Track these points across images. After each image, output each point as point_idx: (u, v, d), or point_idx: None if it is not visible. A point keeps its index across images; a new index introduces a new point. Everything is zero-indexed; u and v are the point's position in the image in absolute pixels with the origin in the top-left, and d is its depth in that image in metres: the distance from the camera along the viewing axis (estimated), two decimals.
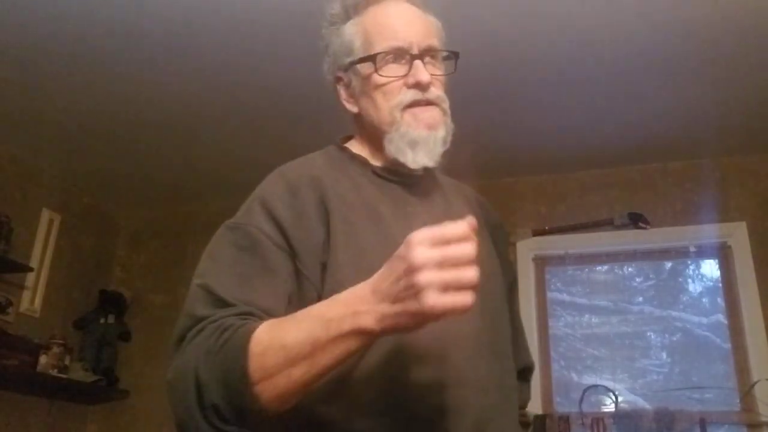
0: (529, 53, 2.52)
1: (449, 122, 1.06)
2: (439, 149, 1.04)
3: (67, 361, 3.28)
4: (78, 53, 2.55)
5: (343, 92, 1.12)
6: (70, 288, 3.60)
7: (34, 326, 3.29)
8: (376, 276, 0.79)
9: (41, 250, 3.40)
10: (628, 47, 2.47)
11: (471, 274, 0.74)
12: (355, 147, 1.13)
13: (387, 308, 0.76)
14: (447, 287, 0.72)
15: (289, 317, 0.84)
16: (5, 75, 2.71)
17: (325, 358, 0.78)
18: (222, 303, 0.88)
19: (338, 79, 1.12)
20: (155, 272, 3.90)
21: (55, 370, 3.18)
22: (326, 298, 0.91)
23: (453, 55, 1.10)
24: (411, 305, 0.73)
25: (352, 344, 0.78)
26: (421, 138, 1.03)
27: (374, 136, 1.09)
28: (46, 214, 3.46)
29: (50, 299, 3.44)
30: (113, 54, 2.56)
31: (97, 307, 3.66)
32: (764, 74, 2.62)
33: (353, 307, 0.78)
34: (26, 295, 3.29)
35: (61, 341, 3.26)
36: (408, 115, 1.03)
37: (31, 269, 3.26)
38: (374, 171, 1.08)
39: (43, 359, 3.16)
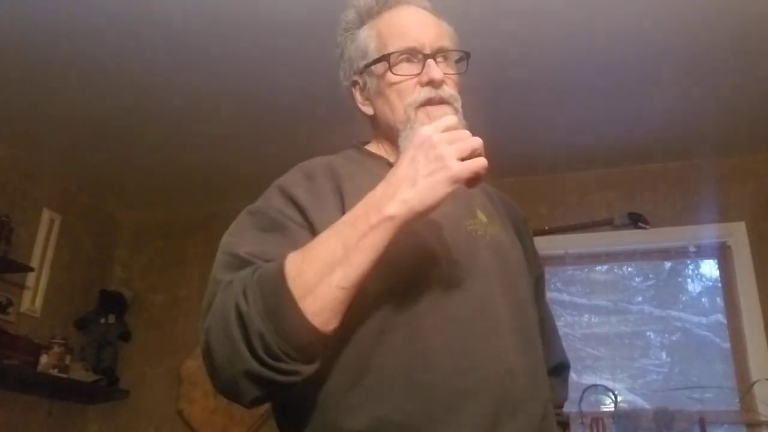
0: (529, 55, 2.53)
1: (463, 121, 1.08)
2: None
3: (67, 361, 3.28)
4: (78, 53, 2.55)
5: (358, 96, 1.15)
6: (70, 288, 3.60)
7: (34, 326, 3.30)
8: (384, 178, 0.88)
9: (42, 250, 3.41)
10: (628, 47, 2.48)
11: (477, 141, 0.89)
12: (372, 147, 1.17)
13: (408, 191, 0.85)
14: (461, 156, 0.86)
15: (315, 238, 0.89)
16: (5, 74, 2.71)
17: (360, 257, 0.84)
18: (245, 264, 0.90)
19: (354, 83, 1.15)
20: (156, 272, 3.90)
21: (56, 370, 3.18)
22: None
23: (465, 56, 1.14)
24: (438, 175, 0.84)
25: (381, 236, 0.84)
26: None
27: (390, 136, 1.11)
28: (46, 214, 3.46)
29: (51, 299, 3.44)
30: (114, 53, 2.56)
31: (97, 307, 3.66)
32: (764, 74, 2.63)
33: (373, 204, 0.86)
34: (27, 294, 3.29)
35: (61, 341, 3.27)
36: (422, 114, 1.06)
37: (31, 269, 3.26)
38: (391, 165, 1.08)
39: (43, 359, 3.16)
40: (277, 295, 0.82)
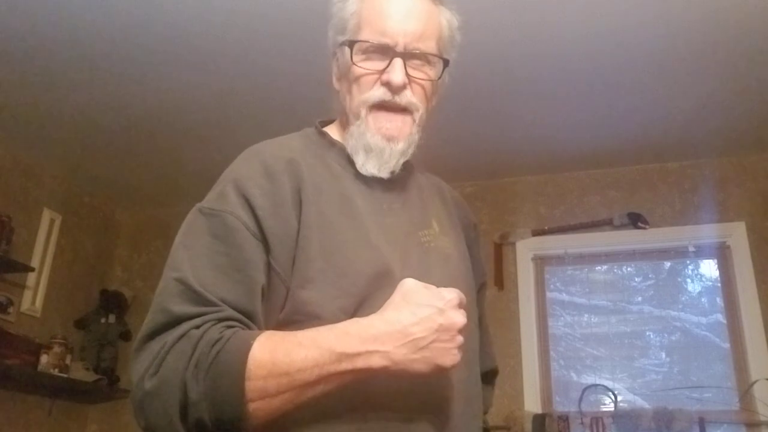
0: (529, 54, 2.53)
1: (416, 133, 1.02)
2: (395, 161, 1.00)
3: (68, 361, 3.29)
4: (78, 53, 2.56)
5: (334, 68, 1.09)
6: (71, 288, 3.61)
7: (35, 326, 3.31)
8: (397, 315, 0.83)
9: (42, 250, 3.41)
10: (628, 48, 2.48)
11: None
12: (335, 131, 1.09)
13: (406, 353, 0.81)
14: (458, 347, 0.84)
15: (291, 338, 0.82)
16: (6, 75, 2.72)
17: (329, 386, 0.81)
18: (200, 300, 0.84)
19: (333, 54, 1.08)
20: (156, 272, 3.87)
21: (56, 370, 3.19)
22: (294, 291, 0.89)
23: (443, 62, 1.03)
24: (440, 359, 0.82)
25: (357, 376, 0.81)
26: (377, 147, 0.99)
27: (345, 120, 1.06)
28: (47, 214, 3.47)
29: (51, 299, 3.45)
30: (114, 54, 2.56)
31: (98, 306, 3.67)
32: (764, 74, 2.63)
33: (367, 344, 0.81)
34: (27, 294, 3.30)
35: (62, 341, 3.28)
36: (372, 118, 1.00)
37: (32, 269, 3.27)
38: (351, 160, 1.04)
39: (44, 359, 3.17)
40: (230, 394, 0.78)
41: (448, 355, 0.82)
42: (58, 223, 3.53)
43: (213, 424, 0.78)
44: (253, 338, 0.81)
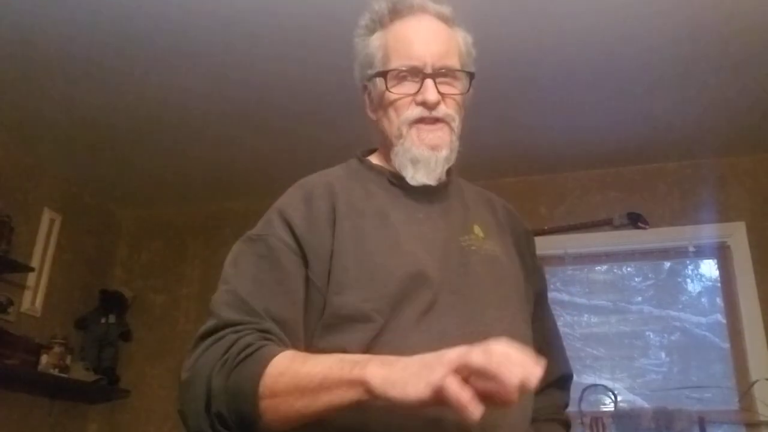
0: (530, 54, 2.53)
1: (455, 141, 1.10)
2: (441, 168, 1.08)
3: (68, 361, 3.29)
4: (78, 53, 2.56)
5: (367, 101, 1.17)
6: (71, 288, 3.61)
7: (35, 326, 3.30)
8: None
9: (42, 250, 3.41)
10: (628, 48, 2.48)
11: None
12: (375, 157, 1.18)
13: (395, 370, 0.77)
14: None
15: (316, 354, 0.87)
16: (5, 75, 2.72)
17: (326, 398, 0.80)
18: (245, 309, 0.94)
19: (364, 88, 1.17)
20: (156, 272, 3.90)
21: (56, 370, 3.19)
22: (331, 298, 0.97)
23: (468, 76, 1.13)
24: (410, 384, 0.75)
25: (350, 394, 0.78)
26: (423, 157, 1.07)
27: (386, 146, 1.13)
28: (47, 214, 3.47)
29: (51, 299, 3.44)
30: (114, 53, 2.56)
31: (98, 306, 3.67)
32: (764, 74, 2.63)
33: (371, 358, 0.81)
34: (27, 294, 3.30)
35: (62, 341, 3.28)
36: (414, 132, 1.07)
37: (32, 269, 3.26)
38: (389, 179, 1.11)
39: (44, 359, 3.17)
40: (246, 390, 0.85)
41: (420, 383, 0.73)
42: (58, 223, 3.53)
43: (231, 417, 0.86)
44: (283, 351, 0.88)
